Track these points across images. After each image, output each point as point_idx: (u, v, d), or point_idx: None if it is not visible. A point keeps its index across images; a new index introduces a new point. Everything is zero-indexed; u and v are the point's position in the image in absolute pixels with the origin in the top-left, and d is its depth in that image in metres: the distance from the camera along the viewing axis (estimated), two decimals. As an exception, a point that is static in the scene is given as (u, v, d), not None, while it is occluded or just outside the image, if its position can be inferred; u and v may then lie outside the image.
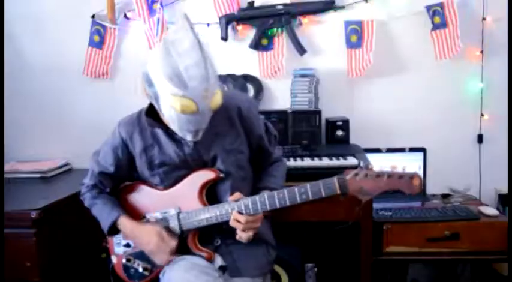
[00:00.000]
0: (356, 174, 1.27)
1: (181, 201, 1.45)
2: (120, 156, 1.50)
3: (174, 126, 1.32)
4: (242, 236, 1.38)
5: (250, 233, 1.38)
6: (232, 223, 1.37)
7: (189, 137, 1.33)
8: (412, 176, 1.24)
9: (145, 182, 1.52)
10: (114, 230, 1.51)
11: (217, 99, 1.27)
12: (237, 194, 1.39)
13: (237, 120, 1.46)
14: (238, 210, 1.36)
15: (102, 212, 1.52)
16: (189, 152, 1.44)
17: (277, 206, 1.35)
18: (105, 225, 1.51)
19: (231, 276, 1.40)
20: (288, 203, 1.34)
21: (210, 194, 1.45)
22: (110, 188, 1.56)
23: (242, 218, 1.35)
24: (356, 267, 1.96)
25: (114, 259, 1.58)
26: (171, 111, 1.26)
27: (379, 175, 1.25)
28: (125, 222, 1.48)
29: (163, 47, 1.25)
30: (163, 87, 1.25)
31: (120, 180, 1.57)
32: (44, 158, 2.39)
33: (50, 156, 2.41)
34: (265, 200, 1.35)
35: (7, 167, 2.28)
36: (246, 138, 1.48)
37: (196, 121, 1.28)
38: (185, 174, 1.46)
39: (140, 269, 1.51)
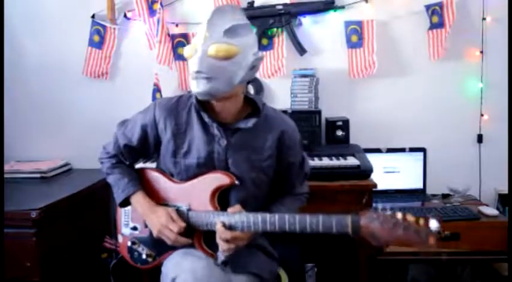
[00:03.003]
0: (371, 219, 1.21)
1: (193, 197, 1.43)
2: (149, 134, 1.47)
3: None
4: (224, 247, 1.36)
5: (232, 247, 1.35)
6: (218, 240, 1.35)
7: (193, 85, 1.33)
8: (429, 234, 1.16)
9: (161, 171, 1.51)
10: (126, 203, 1.50)
11: (218, 49, 1.29)
12: (237, 207, 1.37)
13: (275, 142, 1.44)
14: (240, 228, 1.34)
15: (119, 182, 1.49)
16: (218, 151, 1.41)
17: (286, 229, 1.30)
18: (119, 196, 1.49)
19: (233, 271, 1.39)
20: (297, 229, 1.29)
21: (222, 197, 1.43)
22: (130, 162, 1.55)
23: (228, 235, 1.32)
24: (356, 267, 1.96)
25: (120, 238, 1.57)
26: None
27: (395, 225, 1.18)
28: (140, 199, 1.47)
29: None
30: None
31: (142, 155, 1.57)
32: (44, 158, 2.39)
33: (50, 156, 2.41)
34: (276, 220, 1.31)
35: (7, 167, 2.28)
36: (276, 162, 1.47)
37: (194, 62, 1.31)
38: (204, 172, 1.43)
39: (144, 255, 1.51)
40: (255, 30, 2.28)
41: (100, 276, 2.06)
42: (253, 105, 1.45)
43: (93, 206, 2.21)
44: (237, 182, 1.40)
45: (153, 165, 1.63)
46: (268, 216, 1.32)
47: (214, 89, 1.31)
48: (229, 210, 1.37)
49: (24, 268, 1.73)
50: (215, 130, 1.40)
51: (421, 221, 1.16)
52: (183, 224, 1.39)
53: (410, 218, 1.17)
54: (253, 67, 1.36)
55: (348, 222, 1.24)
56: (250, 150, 1.43)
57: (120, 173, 1.51)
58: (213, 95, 1.34)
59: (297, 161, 1.52)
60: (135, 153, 1.53)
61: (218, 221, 1.35)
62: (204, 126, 1.42)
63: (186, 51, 1.36)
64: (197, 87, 1.31)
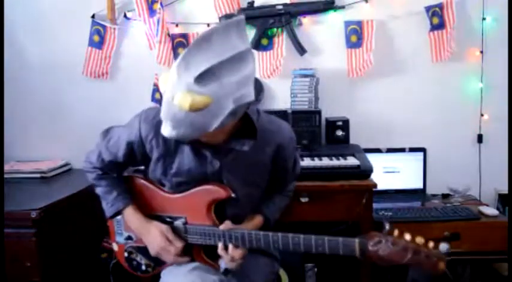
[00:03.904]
0: (379, 243, 1.17)
1: (188, 210, 1.40)
2: (135, 151, 1.39)
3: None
4: (229, 265, 1.35)
5: (239, 262, 1.34)
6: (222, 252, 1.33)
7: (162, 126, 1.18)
8: (440, 259, 1.13)
9: (153, 182, 1.46)
10: (116, 214, 1.47)
11: (182, 100, 1.07)
12: (228, 223, 1.34)
13: (270, 155, 1.39)
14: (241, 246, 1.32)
15: (108, 196, 1.45)
16: (212, 171, 1.35)
17: (290, 248, 1.27)
18: (108, 210, 1.46)
19: (234, 277, 1.39)
20: (302, 249, 1.26)
21: (216, 209, 1.40)
22: (117, 173, 1.49)
23: (238, 253, 1.31)
24: (356, 267, 1.96)
25: (115, 246, 1.56)
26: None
27: (404, 249, 1.14)
28: (130, 215, 1.43)
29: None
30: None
31: (129, 167, 1.51)
32: (44, 158, 2.39)
33: (50, 156, 2.41)
34: (279, 239, 1.29)
35: (7, 167, 2.27)
36: (271, 171, 1.44)
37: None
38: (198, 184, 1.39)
39: (143, 266, 1.50)
40: (254, 30, 2.29)
41: (100, 276, 2.06)
42: (246, 118, 1.28)
43: (93, 206, 2.19)
44: (233, 195, 1.36)
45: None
46: (270, 235, 1.29)
47: (181, 135, 1.14)
48: (221, 227, 1.34)
49: (24, 268, 1.73)
50: (207, 153, 1.34)
51: (431, 244, 1.13)
52: (180, 245, 1.37)
53: (419, 240, 1.14)
54: (236, 112, 1.14)
55: (356, 248, 1.20)
56: (244, 168, 1.37)
57: (108, 186, 1.46)
58: (183, 140, 1.20)
59: (290, 166, 1.51)
60: (121, 167, 1.48)
61: (220, 243, 1.33)
62: (194, 148, 1.34)
63: (160, 83, 1.17)
64: (163, 130, 1.16)
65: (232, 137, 1.29)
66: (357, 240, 1.20)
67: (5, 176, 2.17)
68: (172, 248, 1.37)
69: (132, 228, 1.46)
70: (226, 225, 1.34)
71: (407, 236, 1.15)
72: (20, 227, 1.71)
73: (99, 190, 1.49)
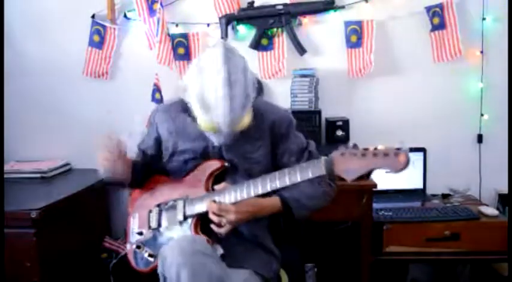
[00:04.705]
0: (342, 154, 1.24)
1: (189, 189, 1.49)
2: (150, 135, 1.61)
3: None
4: (220, 231, 1.38)
5: (228, 226, 1.37)
6: (210, 216, 1.37)
7: (212, 138, 1.42)
8: (397, 153, 1.19)
9: (160, 174, 1.60)
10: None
11: (243, 123, 1.36)
12: (223, 184, 1.42)
13: (267, 132, 1.49)
14: (217, 199, 1.38)
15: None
16: (213, 147, 1.49)
17: (268, 188, 1.35)
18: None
19: (229, 266, 1.38)
20: (278, 185, 1.34)
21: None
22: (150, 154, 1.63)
23: (214, 207, 1.35)
24: (356, 267, 1.96)
25: (128, 246, 1.59)
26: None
27: (364, 154, 1.21)
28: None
29: (197, 66, 1.36)
30: (193, 101, 1.35)
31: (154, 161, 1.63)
32: (44, 158, 2.39)
33: (50, 156, 2.41)
34: (258, 182, 1.36)
35: (7, 167, 2.28)
36: (271, 150, 1.51)
37: (219, 136, 1.39)
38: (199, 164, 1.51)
39: (146, 256, 1.51)
40: (254, 31, 2.29)
41: (100, 276, 2.06)
42: None
43: (93, 206, 2.21)
44: (226, 164, 1.47)
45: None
46: (251, 181, 1.37)
47: (227, 137, 1.40)
48: (216, 187, 1.42)
49: (24, 268, 1.73)
50: None
51: (390, 147, 1.20)
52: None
53: (380, 147, 1.21)
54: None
55: (322, 162, 1.28)
56: (242, 143, 1.47)
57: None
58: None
59: (298, 146, 1.53)
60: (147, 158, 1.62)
61: (208, 199, 1.39)
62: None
63: (204, 125, 1.38)
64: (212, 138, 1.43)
65: None
66: (322, 157, 1.29)
67: (5, 176, 2.17)
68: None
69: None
70: (221, 185, 1.42)
71: (370, 147, 1.23)
72: (20, 227, 1.71)
73: None
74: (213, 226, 1.38)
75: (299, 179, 1.31)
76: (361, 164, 1.22)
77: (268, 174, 1.37)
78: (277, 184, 1.34)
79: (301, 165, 1.34)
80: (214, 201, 1.37)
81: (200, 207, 1.43)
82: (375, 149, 1.21)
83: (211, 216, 1.37)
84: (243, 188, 1.37)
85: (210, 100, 1.30)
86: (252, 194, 1.36)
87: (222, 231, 1.37)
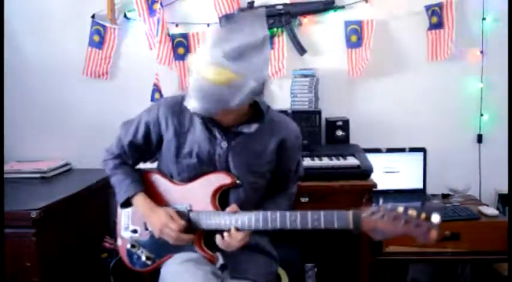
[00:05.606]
0: (372, 213, 1.22)
1: (193, 198, 1.44)
2: (151, 131, 1.47)
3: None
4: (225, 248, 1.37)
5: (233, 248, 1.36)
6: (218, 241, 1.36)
7: (186, 100, 1.28)
8: (430, 228, 1.15)
9: (162, 173, 1.52)
10: (127, 204, 1.51)
11: (212, 72, 1.19)
12: (234, 206, 1.37)
13: (276, 148, 1.45)
14: (241, 227, 1.34)
15: (122, 183, 1.50)
16: (220, 153, 1.42)
17: (288, 226, 1.30)
18: (121, 197, 1.50)
19: (231, 277, 1.40)
20: (298, 226, 1.29)
21: (221, 199, 1.44)
22: (132, 161, 1.55)
23: (238, 236, 1.33)
24: (356, 267, 1.96)
25: (119, 241, 1.57)
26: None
27: (396, 218, 1.19)
28: (141, 200, 1.47)
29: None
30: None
31: (145, 154, 1.55)
32: (44, 158, 2.39)
33: (50, 156, 2.40)
34: (277, 217, 1.31)
35: (7, 167, 2.28)
36: (275, 166, 1.48)
37: (201, 100, 1.23)
38: (205, 172, 1.44)
39: (143, 257, 1.50)
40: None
41: (100, 276, 2.06)
42: (256, 108, 1.41)
43: (93, 206, 2.21)
44: (238, 182, 1.41)
45: (154, 165, 1.64)
46: (269, 214, 1.32)
47: (204, 108, 1.24)
48: (227, 209, 1.37)
49: (24, 268, 1.73)
50: (217, 133, 1.41)
51: (423, 215, 1.16)
52: (182, 222, 1.39)
53: (411, 212, 1.18)
54: (255, 91, 1.25)
55: (350, 217, 1.25)
56: (250, 154, 1.43)
57: (123, 174, 1.51)
58: (205, 113, 1.29)
59: (294, 167, 1.53)
60: (138, 151, 1.53)
61: (221, 220, 1.35)
62: (207, 127, 1.42)
63: (189, 63, 1.28)
64: (187, 104, 1.27)
65: (242, 123, 1.40)
66: (351, 212, 1.25)
67: (5, 176, 2.17)
68: (174, 225, 1.38)
69: (140, 212, 1.49)
70: (232, 207, 1.37)
71: (400, 209, 1.20)
72: (20, 227, 1.71)
73: (114, 179, 1.53)
74: (218, 242, 1.36)
75: (323, 227, 1.28)
76: (390, 227, 1.20)
77: (286, 211, 1.32)
78: (298, 226, 1.29)
79: (326, 212, 1.27)
80: (238, 229, 1.33)
81: (207, 224, 1.39)
82: (406, 211, 1.18)
83: (220, 243, 1.35)
84: (258, 217, 1.32)
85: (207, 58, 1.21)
86: (270, 227, 1.31)
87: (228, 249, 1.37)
